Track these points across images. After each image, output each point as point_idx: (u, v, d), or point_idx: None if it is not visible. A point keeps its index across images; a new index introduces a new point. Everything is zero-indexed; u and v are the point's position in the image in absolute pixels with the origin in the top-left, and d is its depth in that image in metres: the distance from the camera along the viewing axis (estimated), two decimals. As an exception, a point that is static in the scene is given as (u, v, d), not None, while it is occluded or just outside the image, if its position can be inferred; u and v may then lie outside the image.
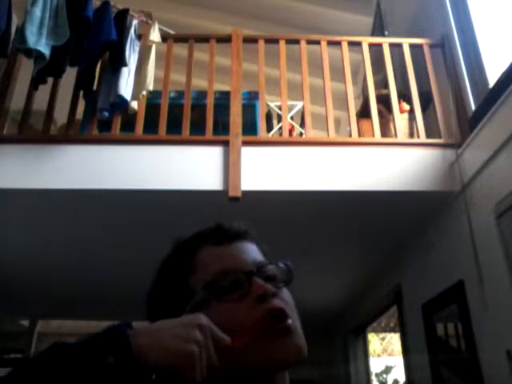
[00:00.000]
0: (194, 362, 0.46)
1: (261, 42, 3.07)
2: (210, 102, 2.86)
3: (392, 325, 5.46)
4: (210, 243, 0.64)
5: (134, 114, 2.83)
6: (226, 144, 2.68)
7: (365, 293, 4.63)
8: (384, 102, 3.06)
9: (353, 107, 2.91)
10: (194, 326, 0.48)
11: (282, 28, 4.57)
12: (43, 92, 2.85)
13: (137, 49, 2.95)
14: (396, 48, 3.16)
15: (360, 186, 2.63)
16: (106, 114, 2.78)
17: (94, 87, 2.86)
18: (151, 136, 2.75)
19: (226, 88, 3.17)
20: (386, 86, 3.04)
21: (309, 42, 3.11)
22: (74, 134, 2.82)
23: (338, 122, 5.26)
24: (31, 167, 2.59)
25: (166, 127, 2.75)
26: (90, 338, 0.46)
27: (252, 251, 0.65)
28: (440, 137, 2.81)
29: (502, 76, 2.44)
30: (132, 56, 2.89)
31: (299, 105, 3.86)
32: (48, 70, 2.62)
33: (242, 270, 0.59)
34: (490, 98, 2.49)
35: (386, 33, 3.81)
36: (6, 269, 3.70)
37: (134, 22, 2.99)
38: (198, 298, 0.58)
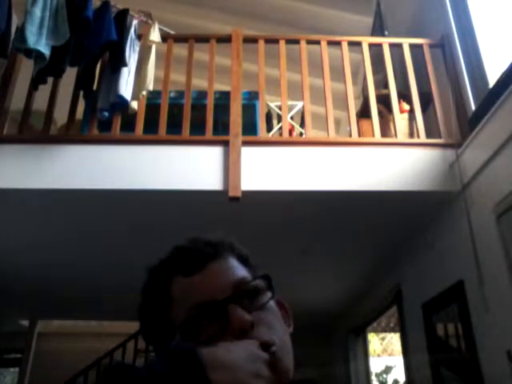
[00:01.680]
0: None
1: (261, 42, 3.07)
2: (210, 102, 2.86)
3: (392, 325, 5.45)
4: (179, 274, 0.59)
5: (134, 113, 2.83)
6: (226, 144, 2.68)
7: (365, 293, 4.63)
8: (384, 102, 3.06)
9: (353, 107, 2.91)
10: (262, 360, 0.49)
11: (282, 28, 4.57)
12: (43, 92, 2.85)
13: (137, 49, 2.95)
14: (396, 48, 3.16)
15: (360, 185, 2.63)
16: (106, 114, 2.78)
17: (94, 87, 2.86)
18: (151, 136, 2.75)
19: (226, 88, 3.17)
20: (386, 86, 3.04)
21: (309, 42, 3.11)
22: (74, 133, 2.83)
23: (338, 122, 5.25)
24: (31, 167, 2.59)
25: (166, 127, 2.75)
26: (161, 364, 0.43)
27: (227, 270, 0.60)
28: (440, 137, 2.81)
29: (502, 76, 2.44)
30: (132, 56, 2.89)
31: (299, 105, 3.86)
32: (48, 69, 2.62)
33: (216, 300, 0.55)
34: (490, 98, 2.49)
35: (386, 33, 3.80)
36: (6, 269, 3.70)
37: (134, 21, 2.99)
38: (177, 340, 0.56)
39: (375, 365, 5.54)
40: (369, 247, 3.56)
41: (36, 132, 2.96)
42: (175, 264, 0.61)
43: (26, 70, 2.83)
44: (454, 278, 2.68)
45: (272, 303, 0.59)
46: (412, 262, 3.39)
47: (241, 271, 0.60)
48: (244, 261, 0.63)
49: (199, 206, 2.73)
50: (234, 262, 0.61)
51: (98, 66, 2.88)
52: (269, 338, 0.53)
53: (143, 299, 0.64)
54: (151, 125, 2.77)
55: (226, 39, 3.12)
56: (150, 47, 2.98)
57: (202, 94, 3.20)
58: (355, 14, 4.69)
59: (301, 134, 3.91)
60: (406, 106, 3.12)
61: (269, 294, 0.59)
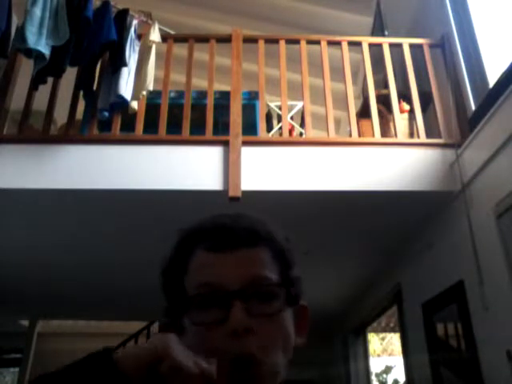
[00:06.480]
0: (169, 344, 0.46)
1: (261, 42, 3.07)
2: (210, 102, 2.86)
3: (392, 325, 5.46)
4: (205, 247, 0.57)
5: (134, 113, 2.83)
6: (226, 144, 2.68)
7: (365, 293, 4.63)
8: (384, 102, 3.06)
9: (353, 107, 2.91)
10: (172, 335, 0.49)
11: (282, 28, 4.57)
12: (43, 92, 2.85)
13: (137, 49, 2.95)
14: (396, 48, 3.16)
15: (360, 186, 2.63)
16: (106, 114, 2.78)
17: (94, 87, 2.86)
18: (151, 136, 2.75)
19: (226, 88, 3.17)
20: (386, 85, 3.04)
21: (309, 42, 3.11)
22: (74, 133, 2.82)
23: (338, 122, 5.25)
24: (31, 167, 2.59)
25: (166, 127, 2.75)
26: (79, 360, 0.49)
27: (251, 262, 0.56)
28: (440, 137, 2.81)
29: (502, 76, 2.44)
30: (132, 56, 2.89)
31: (299, 105, 3.86)
32: (48, 69, 2.62)
33: (227, 289, 0.54)
34: (490, 98, 2.49)
35: (386, 33, 3.80)
36: (6, 269, 3.70)
37: (134, 21, 2.99)
38: (181, 309, 0.57)
39: (375, 365, 5.54)
40: (369, 247, 3.56)
41: (36, 132, 2.95)
42: (204, 236, 0.58)
43: (26, 69, 2.83)
44: (454, 278, 2.68)
45: (284, 314, 0.56)
46: (412, 261, 3.38)
47: (266, 268, 0.57)
48: (279, 256, 0.59)
49: (199, 206, 2.72)
50: (264, 256, 0.58)
51: (98, 65, 2.88)
52: (256, 352, 0.52)
53: (167, 262, 0.62)
54: (151, 125, 2.77)
55: (226, 39, 3.12)
56: (150, 47, 2.97)
57: (202, 94, 3.20)
58: (355, 14, 4.69)
59: (301, 134, 3.91)
60: (406, 106, 3.12)
61: (281, 304, 0.55)
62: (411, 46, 3.12)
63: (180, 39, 3.20)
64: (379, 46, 3.14)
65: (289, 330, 0.57)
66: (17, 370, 6.08)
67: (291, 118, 3.89)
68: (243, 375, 0.51)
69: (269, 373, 0.53)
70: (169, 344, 0.46)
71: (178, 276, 0.59)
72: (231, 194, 2.52)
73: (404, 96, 3.09)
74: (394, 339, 6.18)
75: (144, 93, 2.85)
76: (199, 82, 3.69)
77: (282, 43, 3.05)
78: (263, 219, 0.62)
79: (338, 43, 3.12)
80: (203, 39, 3.16)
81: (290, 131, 3.72)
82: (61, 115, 3.00)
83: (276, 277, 0.57)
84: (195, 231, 0.60)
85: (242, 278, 0.55)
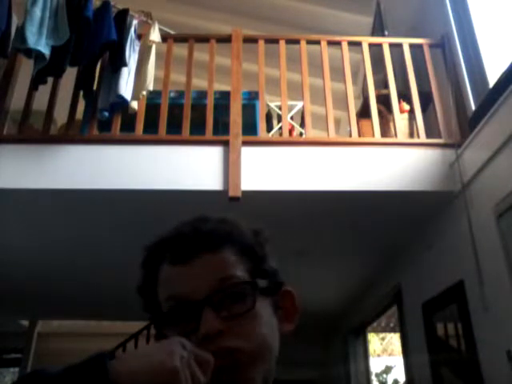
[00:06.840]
0: (178, 378, 0.43)
1: (261, 42, 3.07)
2: (210, 102, 2.86)
3: (392, 325, 5.45)
4: (168, 261, 0.58)
5: (134, 113, 2.83)
6: (226, 144, 2.68)
7: (365, 293, 4.63)
8: (384, 102, 3.06)
9: (353, 107, 2.91)
10: (176, 342, 0.47)
11: (282, 28, 4.57)
12: (43, 92, 2.85)
13: (137, 49, 2.95)
14: (396, 48, 3.16)
15: (360, 186, 2.63)
16: (106, 113, 2.78)
17: (94, 87, 2.86)
18: (151, 136, 2.75)
19: (226, 88, 3.17)
20: (386, 86, 3.04)
21: (309, 42, 3.11)
22: (74, 133, 2.82)
23: (338, 122, 5.25)
24: (31, 167, 2.59)
25: (166, 127, 2.76)
26: (70, 366, 0.44)
27: (215, 266, 0.56)
28: (440, 137, 2.82)
29: (502, 76, 2.44)
30: (132, 56, 2.89)
31: (299, 105, 3.86)
32: (48, 69, 2.62)
33: (195, 299, 0.54)
34: (490, 98, 2.49)
35: (386, 33, 3.80)
36: (6, 269, 3.70)
37: (134, 21, 2.99)
38: (157, 324, 0.58)
39: (375, 365, 5.54)
40: (369, 247, 3.55)
41: (36, 132, 2.95)
42: (165, 251, 0.59)
43: (26, 69, 2.83)
44: (454, 278, 2.68)
45: (259, 308, 0.56)
46: (412, 261, 3.39)
47: (232, 268, 0.56)
48: (247, 253, 0.59)
49: (199, 206, 2.72)
50: (229, 256, 0.57)
51: (98, 65, 2.89)
52: (234, 345, 0.52)
53: (141, 277, 0.63)
54: (151, 125, 2.77)
55: (226, 39, 3.12)
56: (150, 47, 2.97)
57: (202, 94, 3.20)
58: (355, 14, 4.69)
59: (301, 134, 3.91)
60: (406, 106, 3.12)
61: (254, 300, 0.55)
62: (411, 45, 3.12)
63: (180, 39, 3.20)
64: (379, 46, 3.15)
65: (268, 321, 0.57)
66: (17, 370, 6.09)
67: (291, 118, 3.89)
68: (224, 364, 0.51)
69: (251, 358, 0.53)
70: (176, 365, 0.43)
71: (151, 293, 0.60)
72: (231, 194, 2.52)
73: (404, 96, 3.09)
74: (394, 339, 6.18)
75: (144, 93, 2.85)
76: (199, 82, 3.69)
77: (282, 43, 3.05)
78: (227, 218, 0.62)
79: (338, 43, 3.13)
80: (203, 39, 3.16)
81: (290, 131, 3.72)
82: (61, 115, 3.01)
83: (245, 274, 0.57)
84: (156, 247, 0.61)
85: (208, 284, 0.54)
